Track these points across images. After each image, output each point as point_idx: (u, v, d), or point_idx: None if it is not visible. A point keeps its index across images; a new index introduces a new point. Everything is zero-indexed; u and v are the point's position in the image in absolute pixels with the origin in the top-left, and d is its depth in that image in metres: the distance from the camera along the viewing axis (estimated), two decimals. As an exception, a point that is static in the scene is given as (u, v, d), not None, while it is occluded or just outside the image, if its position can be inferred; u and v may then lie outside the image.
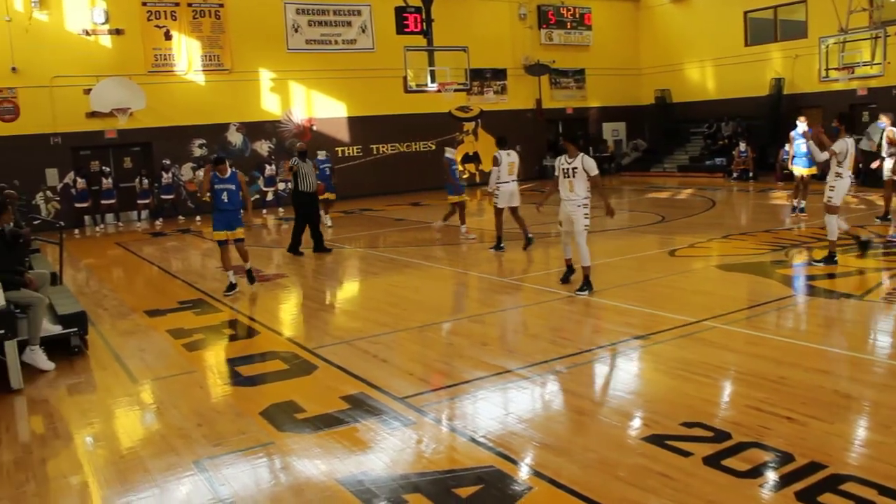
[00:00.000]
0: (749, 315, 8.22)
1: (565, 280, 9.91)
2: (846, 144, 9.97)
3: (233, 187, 10.67)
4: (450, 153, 14.87)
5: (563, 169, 9.38)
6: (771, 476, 4.43)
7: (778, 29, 26.94)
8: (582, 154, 9.31)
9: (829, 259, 10.19)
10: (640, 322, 8.06)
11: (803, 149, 15.10)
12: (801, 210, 15.30)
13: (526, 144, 28.96)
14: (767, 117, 26.26)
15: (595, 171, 9.24)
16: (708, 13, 28.35)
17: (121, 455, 5.34)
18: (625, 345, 7.26)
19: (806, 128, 15.25)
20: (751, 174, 24.29)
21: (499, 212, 13.06)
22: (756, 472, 4.47)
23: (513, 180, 12.85)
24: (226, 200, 10.65)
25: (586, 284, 9.35)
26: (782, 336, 7.49)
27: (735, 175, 24.70)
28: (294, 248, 13.88)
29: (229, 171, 10.78)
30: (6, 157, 19.94)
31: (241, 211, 10.85)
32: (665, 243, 13.09)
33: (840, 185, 10.04)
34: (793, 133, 15.84)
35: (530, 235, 12.93)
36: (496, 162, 12.83)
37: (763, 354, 6.68)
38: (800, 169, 15.68)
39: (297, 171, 13.76)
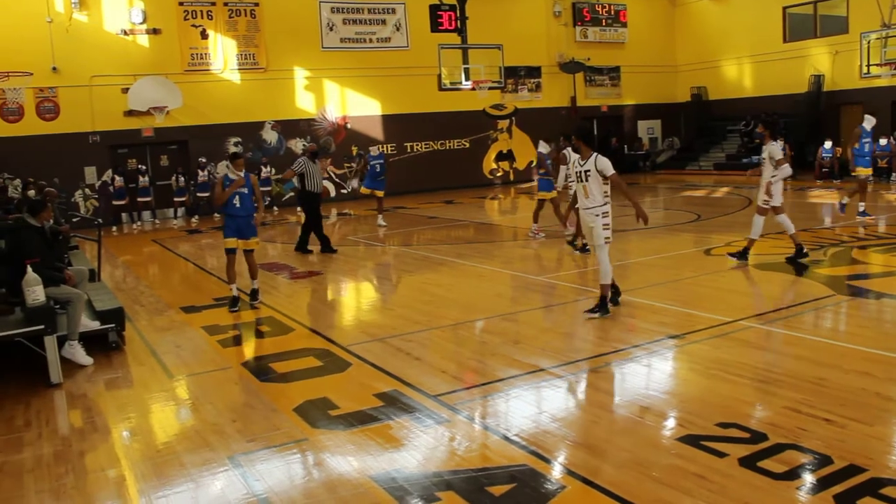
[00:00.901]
0: (786, 315, 8.09)
1: (614, 301, 8.61)
2: (778, 148, 10.42)
3: (245, 191, 9.64)
4: (543, 147, 14.05)
5: (577, 172, 8.26)
6: (808, 479, 4.36)
7: (818, 24, 26.52)
8: (595, 154, 8.12)
9: (799, 254, 10.49)
10: (675, 321, 7.98)
11: (867, 148, 14.66)
12: (864, 213, 14.76)
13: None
14: (806, 115, 25.87)
15: (611, 171, 8.05)
16: (745, 9, 27.99)
17: (157, 449, 5.41)
18: (660, 344, 7.19)
19: (872, 125, 14.69)
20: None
21: (568, 209, 12.71)
22: (793, 474, 4.40)
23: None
24: (237, 205, 9.62)
25: (600, 306, 8.32)
26: (821, 336, 7.37)
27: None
28: (326, 247, 13.93)
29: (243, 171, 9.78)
30: (47, 156, 20.31)
31: (255, 216, 9.84)
32: (701, 242, 12.96)
33: (778, 187, 10.47)
34: (859, 127, 15.01)
35: (585, 242, 12.32)
36: (565, 160, 12.18)
37: (801, 355, 6.58)
38: (863, 169, 14.92)
39: (304, 171, 13.75)
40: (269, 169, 23.08)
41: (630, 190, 8.42)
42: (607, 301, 8.35)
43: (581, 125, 8.50)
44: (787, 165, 10.46)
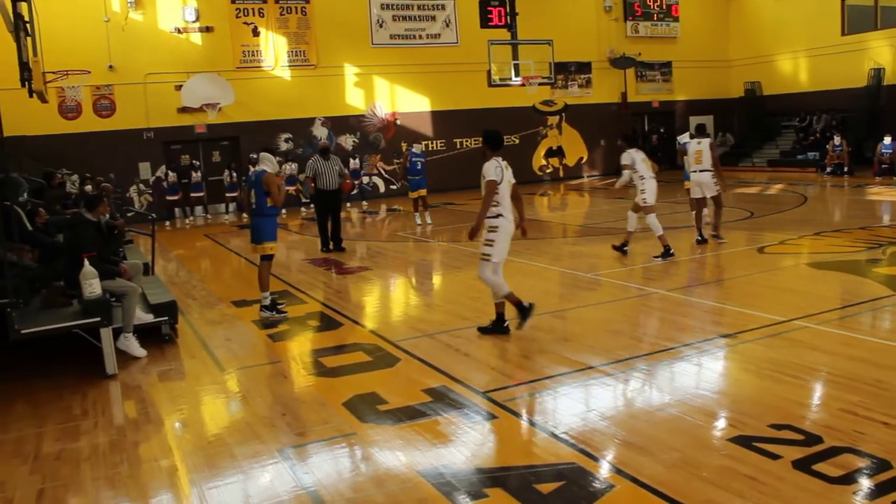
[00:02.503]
0: (843, 315, 7.91)
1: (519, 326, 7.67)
2: (631, 156, 11.28)
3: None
4: (685, 138, 13.91)
5: None
6: (866, 483, 4.24)
7: (879, 16, 25.83)
8: (492, 158, 7.53)
9: (666, 253, 11.09)
10: (727, 320, 7.85)
11: None
12: None
13: (611, 139, 28.66)
14: (865, 110, 25.22)
15: (488, 177, 7.38)
16: (802, 2, 27.37)
17: (208, 441, 5.49)
18: (711, 343, 7.09)
19: None
20: (846, 169, 23.38)
21: (691, 202, 12.54)
22: (850, 478, 4.29)
23: (700, 170, 11.95)
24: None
25: (493, 323, 7.76)
26: (879, 338, 7.19)
27: (829, 170, 23.84)
28: (325, 245, 13.99)
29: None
30: (103, 152, 20.77)
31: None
32: (754, 240, 12.72)
33: (649, 187, 11.20)
34: None
35: (715, 234, 12.30)
36: (684, 151, 12.49)
37: (858, 356, 6.42)
38: None
39: (316, 171, 13.71)
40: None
41: (484, 207, 7.49)
42: (502, 319, 7.70)
43: (487, 130, 7.82)
44: (626, 172, 11.35)
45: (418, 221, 17.08)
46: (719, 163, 12.22)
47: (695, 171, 12.04)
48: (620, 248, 11.73)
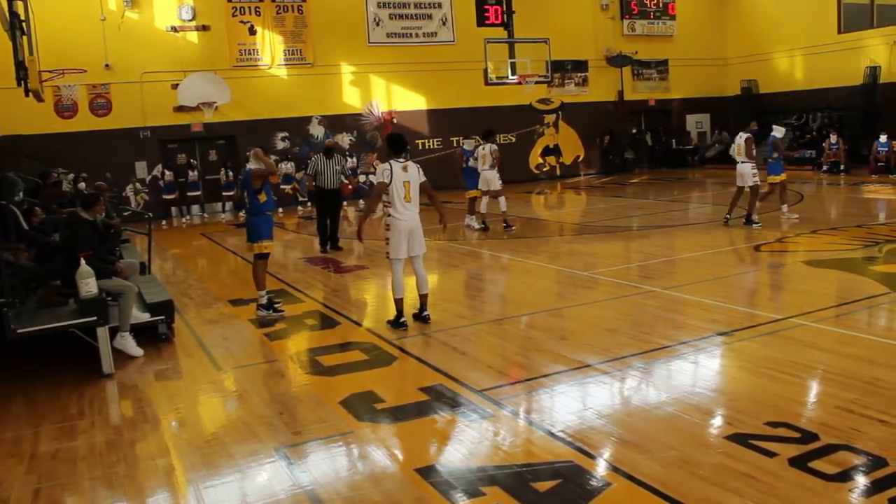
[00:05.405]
0: (839, 313, 7.92)
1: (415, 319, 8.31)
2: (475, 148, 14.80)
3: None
4: (778, 132, 14.53)
5: None
6: (862, 481, 4.25)
7: (875, 14, 25.84)
8: (389, 160, 7.93)
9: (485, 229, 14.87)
10: (723, 318, 7.86)
11: None
12: None
13: (607, 137, 28.67)
14: (861, 108, 25.24)
15: (376, 180, 8.00)
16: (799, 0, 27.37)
17: (205, 440, 5.48)
18: (707, 341, 7.09)
19: None
20: (842, 167, 23.41)
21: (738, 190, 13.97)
22: (846, 475, 4.30)
23: (741, 161, 13.44)
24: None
25: (394, 321, 8.19)
26: (875, 335, 7.20)
27: (825, 168, 23.85)
28: (323, 244, 14.02)
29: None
30: (99, 151, 20.71)
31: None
32: (751, 238, 12.73)
33: (481, 176, 14.79)
34: None
35: (754, 217, 13.49)
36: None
37: (855, 354, 6.43)
38: None
39: (317, 169, 13.69)
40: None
41: (367, 207, 9.39)
42: (400, 317, 8.10)
43: (389, 134, 8.46)
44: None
45: (475, 226, 15.49)
46: (752, 156, 13.46)
47: (736, 163, 13.67)
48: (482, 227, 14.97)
